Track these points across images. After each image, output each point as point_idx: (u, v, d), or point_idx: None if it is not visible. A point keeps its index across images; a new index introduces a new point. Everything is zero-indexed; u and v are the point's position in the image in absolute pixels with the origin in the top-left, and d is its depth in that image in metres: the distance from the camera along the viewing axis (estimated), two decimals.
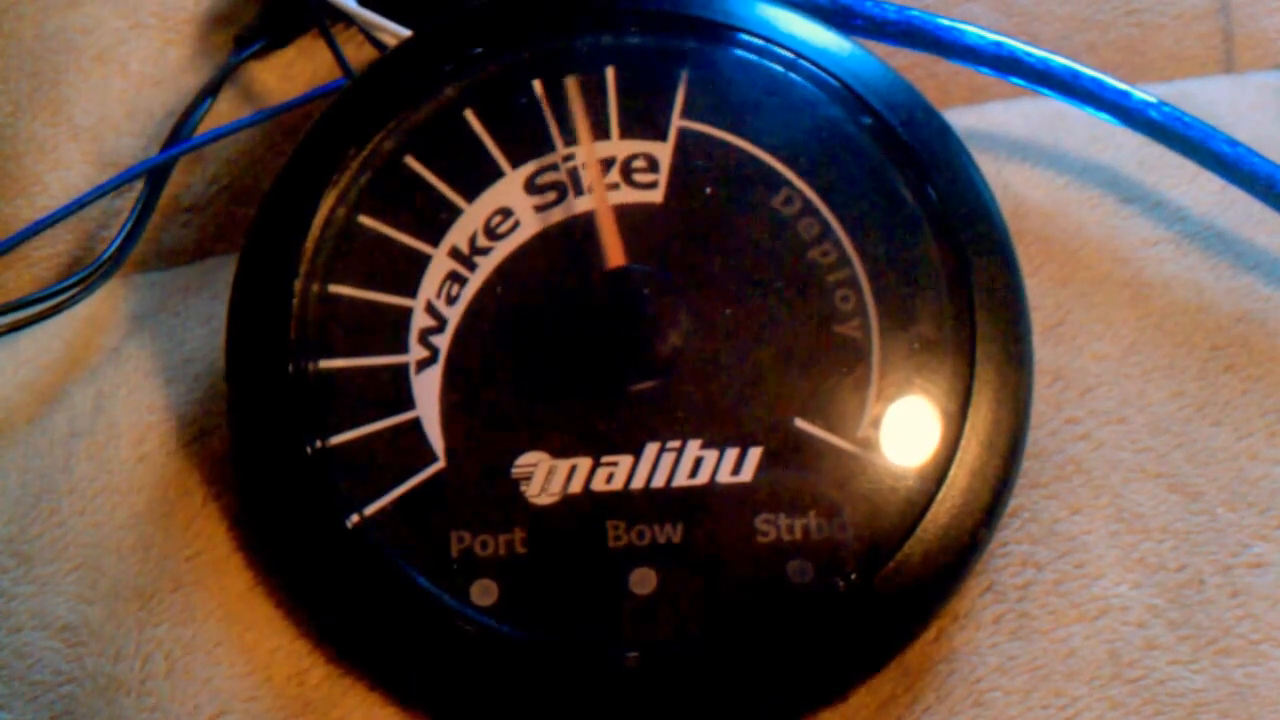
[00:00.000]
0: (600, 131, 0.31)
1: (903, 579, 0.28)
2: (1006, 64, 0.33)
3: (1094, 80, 0.33)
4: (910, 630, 0.28)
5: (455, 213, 0.31)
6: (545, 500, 0.28)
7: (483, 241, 0.30)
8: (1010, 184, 0.34)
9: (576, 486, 0.28)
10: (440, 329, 0.30)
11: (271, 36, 0.38)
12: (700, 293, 0.30)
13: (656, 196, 0.31)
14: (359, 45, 0.37)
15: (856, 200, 0.30)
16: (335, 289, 0.30)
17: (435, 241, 0.30)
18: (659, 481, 0.28)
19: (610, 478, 0.28)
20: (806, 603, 0.28)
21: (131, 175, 0.35)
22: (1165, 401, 0.31)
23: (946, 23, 0.34)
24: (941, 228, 0.30)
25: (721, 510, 0.28)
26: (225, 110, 0.37)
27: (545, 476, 0.28)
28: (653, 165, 0.31)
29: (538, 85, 0.32)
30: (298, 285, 0.30)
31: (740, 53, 0.32)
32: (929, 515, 0.28)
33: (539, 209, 0.31)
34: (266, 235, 0.30)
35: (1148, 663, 0.28)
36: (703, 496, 0.28)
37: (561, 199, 0.31)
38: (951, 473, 0.28)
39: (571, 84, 0.31)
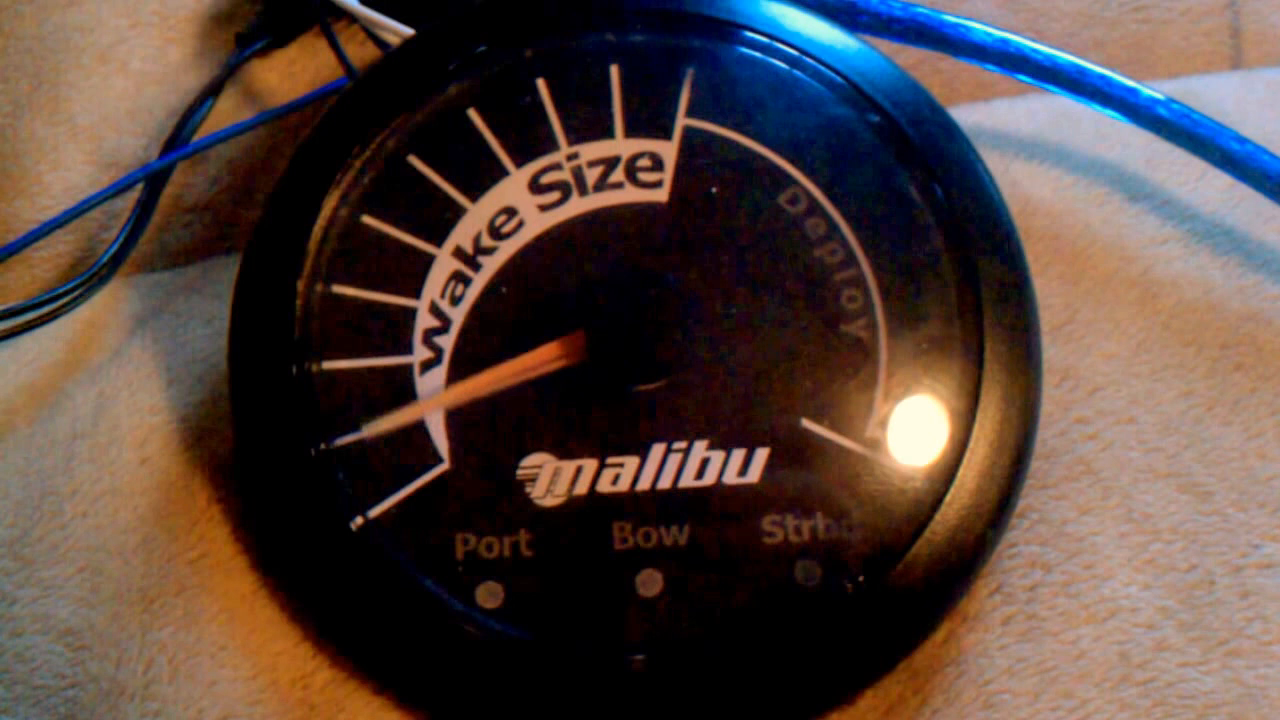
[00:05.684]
0: (605, 130, 0.31)
1: (911, 580, 0.27)
2: (1013, 61, 0.33)
3: (1101, 77, 0.33)
4: (918, 632, 0.28)
5: (459, 212, 0.30)
6: (550, 502, 0.28)
7: (487, 241, 0.30)
8: (1017, 182, 0.34)
9: (582, 488, 0.28)
10: (444, 329, 0.30)
11: (273, 35, 0.37)
12: (705, 292, 0.30)
13: (661, 195, 0.31)
14: (361, 44, 0.37)
15: (863, 199, 0.30)
16: (339, 289, 0.30)
17: (439, 241, 0.30)
18: (665, 483, 0.28)
19: (616, 479, 0.28)
20: (814, 604, 0.27)
21: (133, 180, 0.34)
22: (1174, 401, 0.31)
23: (953, 19, 0.33)
24: (949, 226, 0.30)
25: (728, 511, 0.28)
26: (227, 109, 0.37)
27: (550, 478, 0.28)
28: (658, 164, 0.31)
29: (541, 84, 0.31)
30: (301, 286, 0.30)
31: (745, 50, 0.32)
32: (937, 516, 0.28)
33: (543, 208, 0.30)
34: (269, 235, 0.30)
35: (1158, 664, 0.28)
36: (709, 498, 0.28)
37: (566, 198, 0.31)
38: (960, 473, 0.28)
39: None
